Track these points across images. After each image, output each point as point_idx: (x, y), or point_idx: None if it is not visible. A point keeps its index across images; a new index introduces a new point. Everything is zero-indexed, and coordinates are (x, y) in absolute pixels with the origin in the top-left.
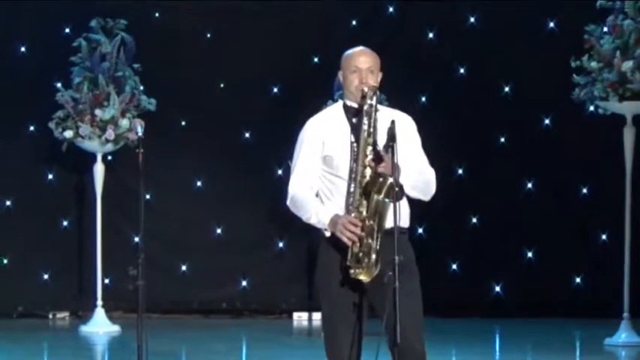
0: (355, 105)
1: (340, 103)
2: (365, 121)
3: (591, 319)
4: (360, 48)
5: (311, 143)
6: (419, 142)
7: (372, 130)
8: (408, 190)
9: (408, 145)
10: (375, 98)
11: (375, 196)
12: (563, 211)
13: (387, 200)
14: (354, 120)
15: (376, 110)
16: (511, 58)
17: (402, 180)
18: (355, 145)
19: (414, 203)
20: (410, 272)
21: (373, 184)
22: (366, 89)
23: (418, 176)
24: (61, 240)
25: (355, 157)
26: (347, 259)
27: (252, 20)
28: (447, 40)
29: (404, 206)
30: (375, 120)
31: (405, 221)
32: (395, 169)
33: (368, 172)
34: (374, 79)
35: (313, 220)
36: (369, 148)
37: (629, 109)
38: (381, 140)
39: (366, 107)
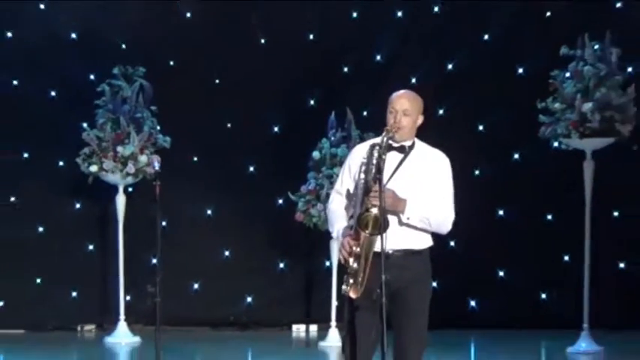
0: (385, 140)
1: (382, 137)
2: (373, 159)
3: (555, 330)
4: (402, 91)
5: (351, 167)
6: (446, 182)
7: (374, 166)
8: (415, 221)
9: (433, 182)
10: (385, 139)
11: (362, 233)
12: (531, 236)
13: (372, 236)
14: (376, 153)
15: (384, 151)
16: (485, 100)
17: (408, 211)
18: (363, 181)
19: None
20: (421, 298)
21: (360, 220)
22: (397, 131)
23: (426, 212)
24: (88, 262)
25: (361, 190)
26: (350, 277)
27: (255, 68)
28: (428, 85)
29: (421, 232)
30: (382, 158)
31: (421, 242)
32: (384, 200)
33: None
34: (408, 120)
35: (334, 235)
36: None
37: (588, 146)
38: (413, 174)
39: (377, 150)
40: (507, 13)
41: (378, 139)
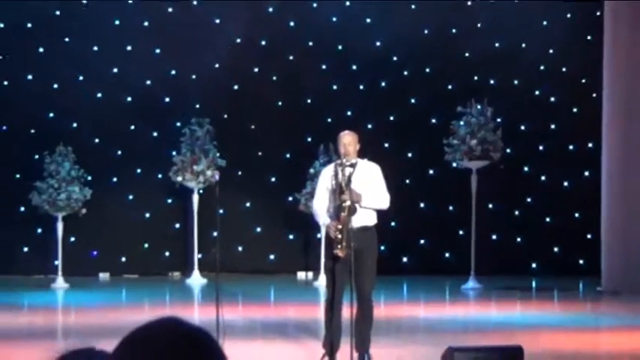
0: (341, 161)
1: (338, 160)
2: (339, 173)
3: (454, 275)
4: (346, 132)
5: (322, 180)
6: (380, 179)
7: (342, 177)
8: (368, 204)
9: (372, 181)
10: (348, 162)
11: (342, 214)
12: (439, 219)
13: (347, 217)
14: (339, 169)
15: (344, 167)
16: (412, 139)
17: (364, 200)
18: (334, 186)
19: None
20: (371, 255)
21: (340, 208)
22: (346, 156)
23: (372, 197)
24: (175, 234)
25: (335, 192)
26: (333, 245)
27: (275, 120)
28: (379, 130)
29: (369, 212)
30: (344, 172)
31: (371, 221)
32: (352, 196)
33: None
34: (352, 149)
35: (321, 222)
36: (342, 188)
37: (474, 166)
38: (362, 179)
39: (342, 168)
40: (425, 86)
41: (338, 161)
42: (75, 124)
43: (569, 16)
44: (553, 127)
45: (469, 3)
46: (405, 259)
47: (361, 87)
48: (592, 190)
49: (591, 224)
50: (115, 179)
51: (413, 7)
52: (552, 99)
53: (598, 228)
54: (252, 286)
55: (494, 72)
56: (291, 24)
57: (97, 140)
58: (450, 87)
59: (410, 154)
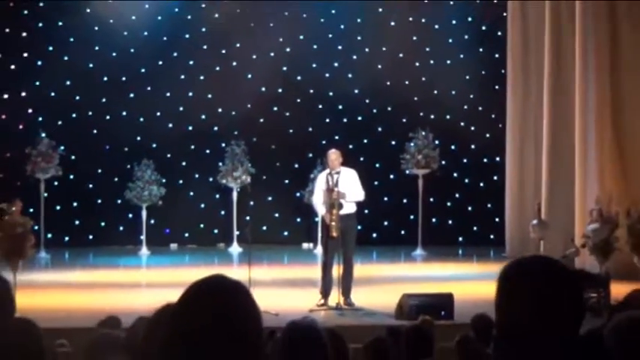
0: (330, 171)
1: (328, 170)
2: (329, 180)
3: (407, 245)
4: (333, 150)
5: (318, 184)
6: (357, 180)
7: (331, 183)
8: (350, 199)
9: (351, 182)
10: (334, 171)
11: (333, 209)
12: (398, 208)
13: (337, 210)
14: (329, 177)
15: (332, 175)
16: (381, 154)
17: (348, 196)
18: (327, 188)
19: (362, 205)
20: (353, 233)
21: (332, 205)
22: (333, 168)
23: (352, 194)
24: (222, 219)
25: (327, 192)
26: (328, 227)
27: (286, 142)
28: (357, 150)
29: (351, 204)
30: (332, 179)
31: (352, 209)
32: (339, 195)
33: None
34: (337, 163)
35: (319, 212)
36: (332, 189)
37: (420, 173)
38: (345, 181)
39: (331, 175)
40: (387, 119)
41: (327, 170)
42: (154, 145)
43: (483, 72)
44: (473, 147)
45: (417, 64)
46: (374, 235)
47: (344, 120)
48: (499, 189)
49: (498, 211)
50: (181, 182)
51: (379, 66)
52: (472, 128)
53: (503, 214)
54: (272, 253)
55: (433, 110)
56: (298, 78)
57: (169, 155)
58: (404, 120)
59: (377, 165)
